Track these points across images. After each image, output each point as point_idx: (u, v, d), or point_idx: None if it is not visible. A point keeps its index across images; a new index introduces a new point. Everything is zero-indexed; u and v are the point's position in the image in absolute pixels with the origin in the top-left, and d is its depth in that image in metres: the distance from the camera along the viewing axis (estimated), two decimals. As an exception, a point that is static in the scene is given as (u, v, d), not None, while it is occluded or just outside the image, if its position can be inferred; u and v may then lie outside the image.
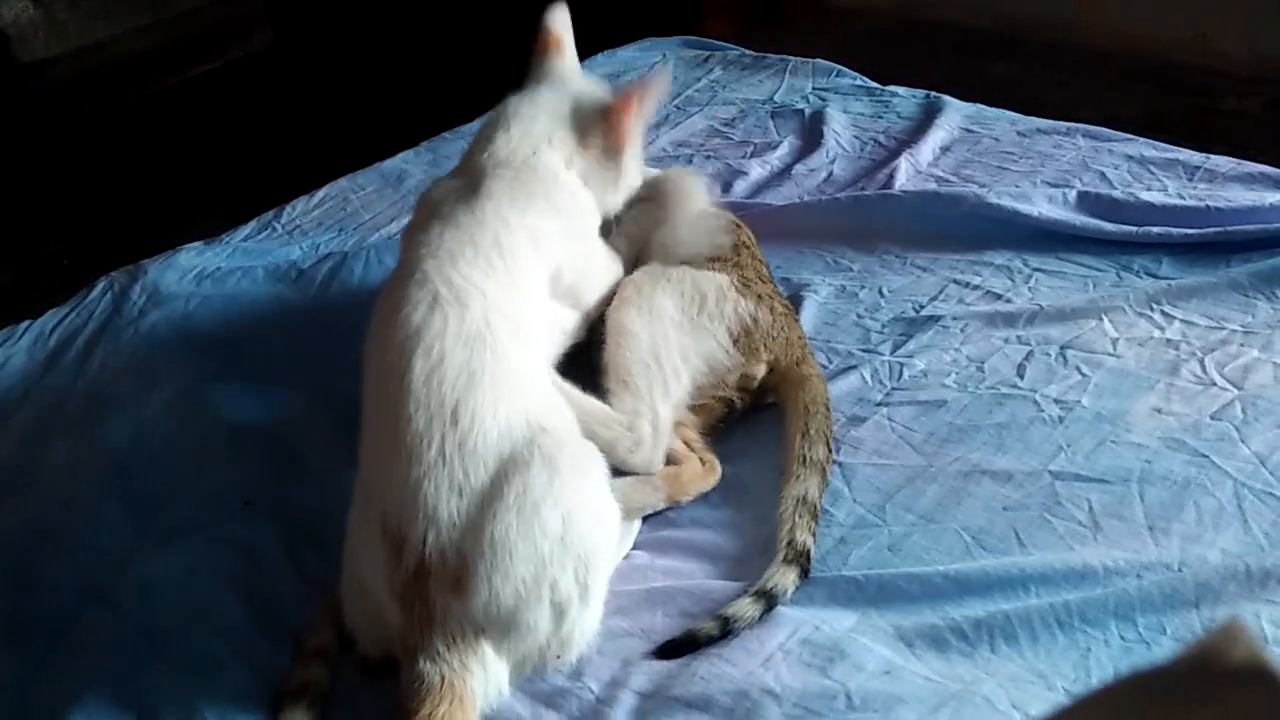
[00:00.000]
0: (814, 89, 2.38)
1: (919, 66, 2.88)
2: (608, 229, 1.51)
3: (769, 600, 1.19)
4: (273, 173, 2.53)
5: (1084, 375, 1.47)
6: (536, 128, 1.40)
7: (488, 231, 1.28)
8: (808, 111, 2.26)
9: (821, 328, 1.63)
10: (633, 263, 1.53)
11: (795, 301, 1.66)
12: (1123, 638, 1.13)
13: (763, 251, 1.65)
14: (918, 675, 1.11)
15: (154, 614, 1.27)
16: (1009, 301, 1.64)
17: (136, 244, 2.17)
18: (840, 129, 2.18)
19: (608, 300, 1.45)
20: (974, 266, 1.73)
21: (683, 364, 1.39)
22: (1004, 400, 1.45)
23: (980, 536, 1.26)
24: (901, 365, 1.54)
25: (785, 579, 1.21)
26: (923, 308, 1.65)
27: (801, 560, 1.23)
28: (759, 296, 1.47)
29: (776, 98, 2.36)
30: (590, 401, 1.34)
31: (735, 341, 1.42)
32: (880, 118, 2.22)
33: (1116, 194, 1.80)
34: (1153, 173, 1.90)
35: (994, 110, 2.19)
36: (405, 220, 1.75)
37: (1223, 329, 1.52)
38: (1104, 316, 1.57)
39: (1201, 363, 1.47)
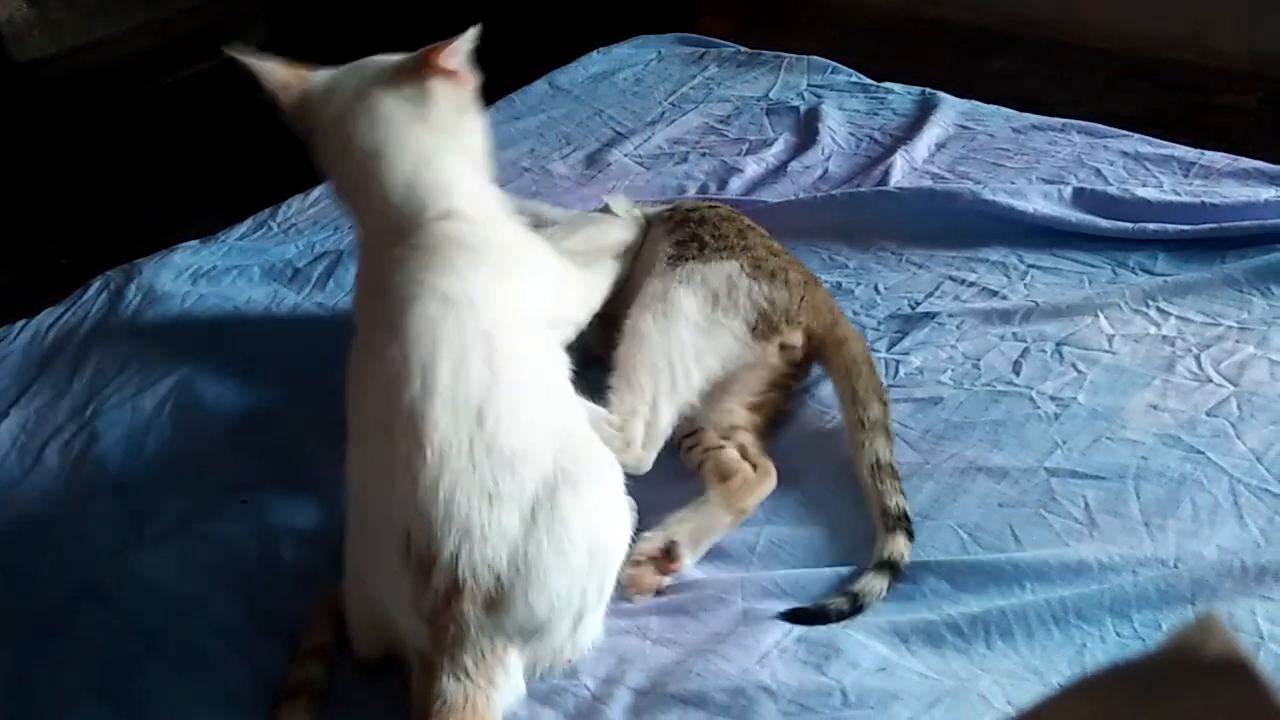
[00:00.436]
0: (809, 86, 2.38)
1: (914, 63, 2.88)
2: None
3: (893, 570, 1.21)
4: (268, 171, 2.52)
5: (1080, 372, 1.47)
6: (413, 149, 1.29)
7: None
8: (803, 108, 2.26)
9: (818, 325, 1.63)
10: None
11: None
12: (1118, 634, 1.13)
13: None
14: (913, 672, 1.11)
15: (149, 611, 1.27)
16: (1005, 298, 1.64)
17: (132, 243, 2.16)
18: (835, 126, 2.18)
19: (610, 301, 1.45)
20: (969, 263, 1.73)
21: (695, 365, 1.38)
22: (1000, 397, 1.45)
23: (976, 533, 1.27)
24: (897, 362, 1.54)
25: (897, 545, 1.23)
26: (918, 304, 1.65)
27: (903, 523, 1.25)
28: (772, 273, 1.46)
29: (772, 95, 2.36)
30: (584, 403, 1.33)
31: (753, 330, 1.42)
32: (876, 114, 2.22)
33: (1112, 190, 1.80)
34: (1148, 169, 1.90)
35: (989, 107, 2.19)
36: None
37: (1218, 325, 1.52)
38: (1100, 313, 1.57)
39: (1197, 359, 1.47)
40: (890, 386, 1.49)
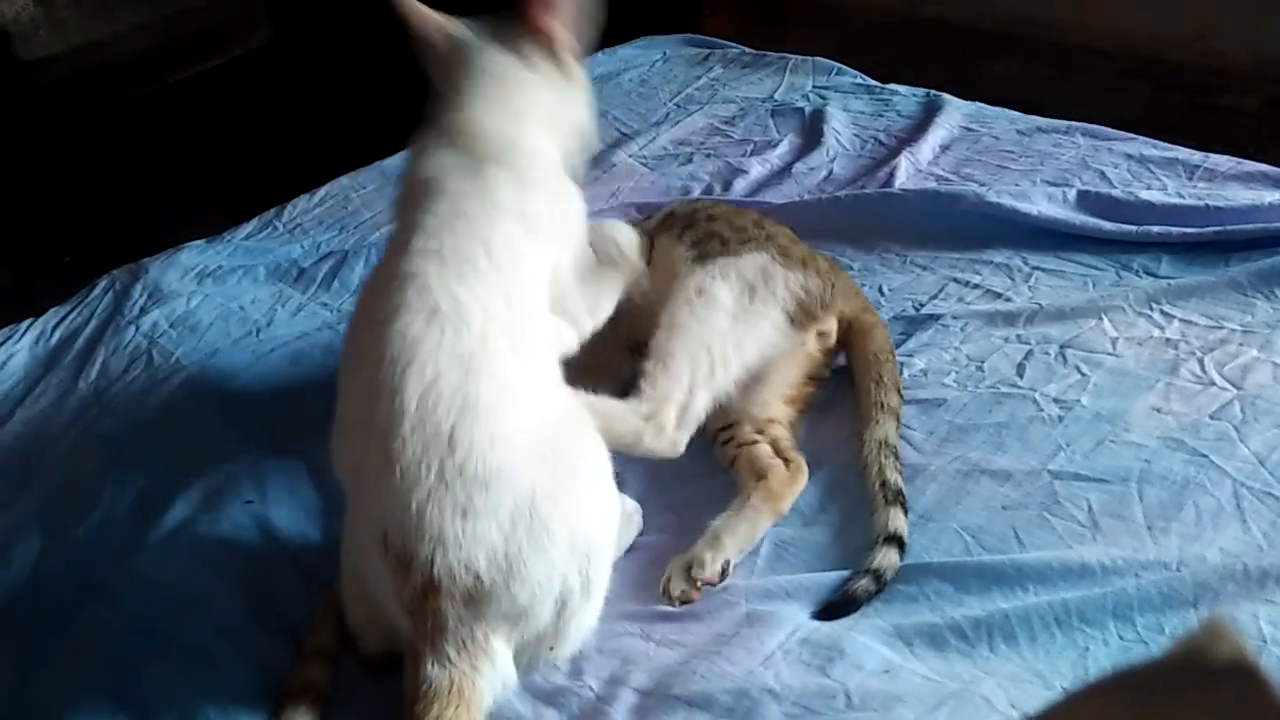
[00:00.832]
0: (814, 87, 2.38)
1: (919, 65, 2.88)
2: None
3: (899, 543, 1.23)
4: (274, 171, 2.53)
5: (1083, 374, 1.47)
6: (511, 95, 1.34)
7: (499, 231, 1.23)
8: (808, 110, 2.27)
9: (821, 326, 1.63)
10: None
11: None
12: (1121, 637, 1.13)
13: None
14: (916, 674, 1.11)
15: (153, 609, 1.27)
16: (1009, 300, 1.64)
17: (138, 242, 2.17)
18: (840, 127, 2.18)
19: (613, 312, 1.43)
20: (974, 265, 1.73)
21: (734, 354, 1.39)
22: (1003, 399, 1.45)
23: (979, 535, 1.27)
24: (901, 364, 1.53)
25: (898, 519, 1.25)
26: (922, 306, 1.66)
27: (900, 499, 1.27)
28: (802, 261, 1.48)
29: (777, 96, 2.36)
30: (605, 402, 1.32)
31: (792, 320, 1.43)
32: (880, 116, 2.22)
33: (1116, 193, 1.80)
34: (1152, 171, 1.90)
35: (994, 109, 2.19)
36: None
37: (1222, 328, 1.52)
38: (1103, 315, 1.57)
39: (1201, 362, 1.47)
40: (894, 388, 1.49)
